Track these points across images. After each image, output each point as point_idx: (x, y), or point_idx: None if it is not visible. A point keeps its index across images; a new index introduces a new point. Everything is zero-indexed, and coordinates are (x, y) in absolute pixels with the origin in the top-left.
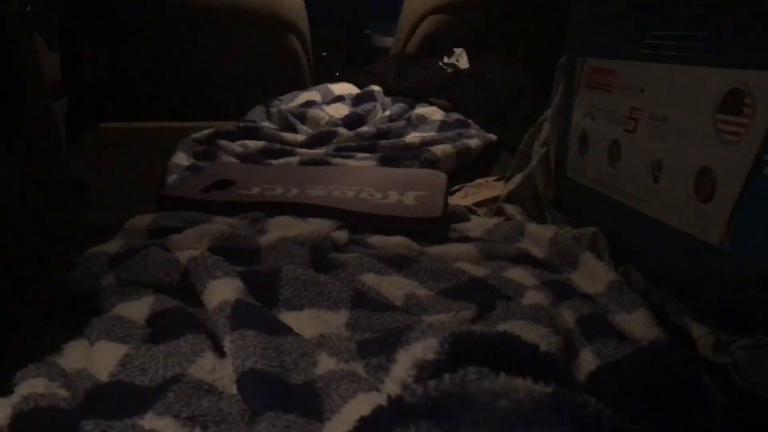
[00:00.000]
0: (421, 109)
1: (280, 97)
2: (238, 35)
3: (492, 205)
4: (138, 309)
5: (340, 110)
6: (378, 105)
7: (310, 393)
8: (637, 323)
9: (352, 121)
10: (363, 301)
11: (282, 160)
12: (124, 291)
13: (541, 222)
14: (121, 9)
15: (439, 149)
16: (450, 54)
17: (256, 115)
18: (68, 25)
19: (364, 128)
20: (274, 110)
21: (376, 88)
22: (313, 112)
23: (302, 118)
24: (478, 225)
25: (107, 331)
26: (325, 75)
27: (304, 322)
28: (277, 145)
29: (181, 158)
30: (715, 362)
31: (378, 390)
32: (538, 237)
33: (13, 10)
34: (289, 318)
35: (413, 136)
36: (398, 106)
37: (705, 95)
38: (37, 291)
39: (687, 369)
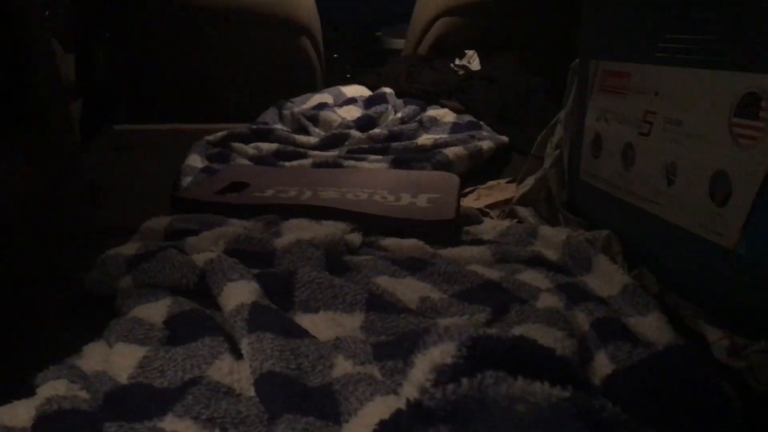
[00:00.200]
0: (433, 111)
1: (292, 100)
2: (250, 37)
3: (504, 208)
4: (156, 311)
5: (352, 112)
6: (390, 107)
7: (328, 395)
8: (652, 326)
9: (364, 124)
10: (378, 303)
11: (295, 163)
12: (142, 293)
13: (554, 224)
14: (134, 11)
15: (451, 151)
16: (461, 56)
17: (269, 117)
18: (83, 28)
19: (376, 130)
20: (286, 112)
21: (387, 90)
22: (325, 114)
23: (315, 120)
24: (490, 227)
25: (126, 333)
26: (336, 77)
27: (320, 324)
28: (290, 148)
29: (195, 160)
30: (730, 366)
31: (395, 393)
32: (552, 240)
33: (31, 15)
34: (304, 320)
35: (425, 138)
36: (410, 108)
37: (720, 99)
38: (55, 292)
39: (703, 373)
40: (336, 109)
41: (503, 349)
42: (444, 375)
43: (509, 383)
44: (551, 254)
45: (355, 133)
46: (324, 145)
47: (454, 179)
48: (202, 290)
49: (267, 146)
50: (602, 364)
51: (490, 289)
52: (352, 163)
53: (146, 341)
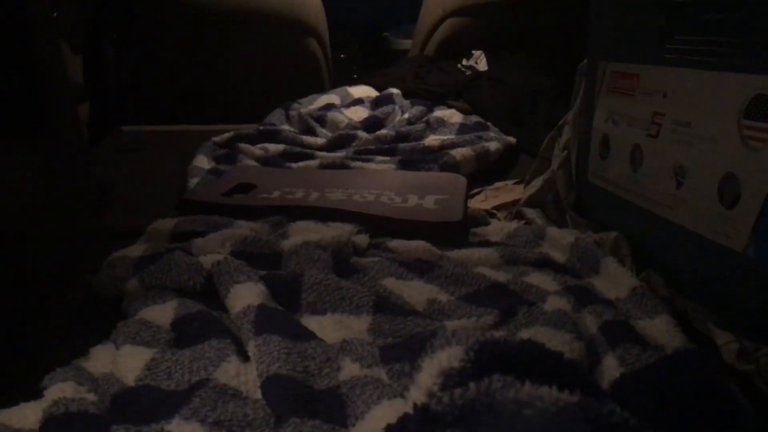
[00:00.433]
0: (440, 112)
1: (299, 100)
2: (258, 38)
3: (512, 209)
4: (163, 313)
5: (359, 113)
6: (397, 108)
7: (335, 398)
8: (660, 329)
9: (371, 124)
10: (385, 306)
11: (302, 164)
12: (149, 295)
13: (562, 226)
14: (142, 13)
15: (458, 152)
16: (469, 56)
17: (276, 118)
18: (91, 29)
19: (383, 131)
20: (293, 113)
21: (394, 90)
22: (332, 115)
23: (322, 121)
24: (498, 229)
25: (133, 336)
26: (343, 78)
27: (327, 326)
28: (297, 149)
29: (202, 161)
30: (739, 369)
31: (402, 397)
32: (559, 241)
33: (40, 16)
34: (311, 323)
35: (432, 139)
36: (417, 109)
37: (730, 101)
38: (62, 294)
39: (713, 377)
40: (343, 109)
41: (511, 353)
42: (451, 379)
43: (517, 388)
44: (559, 256)
45: (362, 134)
46: (331, 146)
47: (461, 180)
48: (208, 292)
49: (274, 147)
50: (610, 368)
51: (498, 292)
52: (359, 164)
53: (153, 343)
